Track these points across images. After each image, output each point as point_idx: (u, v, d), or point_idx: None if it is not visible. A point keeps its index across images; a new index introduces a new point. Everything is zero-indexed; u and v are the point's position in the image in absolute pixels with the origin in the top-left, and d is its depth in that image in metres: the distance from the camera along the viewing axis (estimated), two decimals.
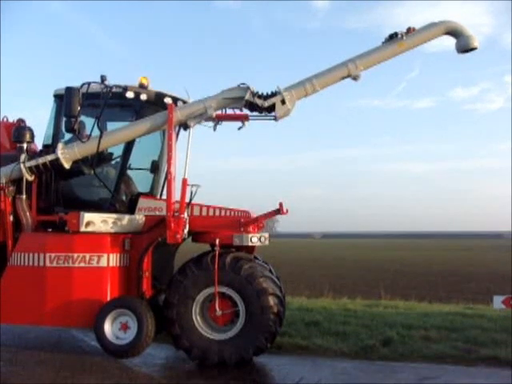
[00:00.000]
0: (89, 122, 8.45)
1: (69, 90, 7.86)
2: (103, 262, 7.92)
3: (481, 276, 33.27)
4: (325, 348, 8.50)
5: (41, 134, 8.80)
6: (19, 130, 8.56)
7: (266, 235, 8.37)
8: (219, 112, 8.05)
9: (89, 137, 8.28)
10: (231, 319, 7.77)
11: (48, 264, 7.95)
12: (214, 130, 8.11)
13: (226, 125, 8.16)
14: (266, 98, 7.94)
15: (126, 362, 7.71)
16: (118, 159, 8.79)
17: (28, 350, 8.48)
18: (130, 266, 8.29)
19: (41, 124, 8.92)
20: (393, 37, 7.85)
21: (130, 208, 8.59)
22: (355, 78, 7.92)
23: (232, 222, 8.22)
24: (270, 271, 8.18)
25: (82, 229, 7.81)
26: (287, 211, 8.03)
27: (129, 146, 8.62)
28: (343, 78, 7.95)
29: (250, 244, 7.99)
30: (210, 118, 7.98)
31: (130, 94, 8.24)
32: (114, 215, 8.14)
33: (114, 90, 8.15)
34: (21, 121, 9.24)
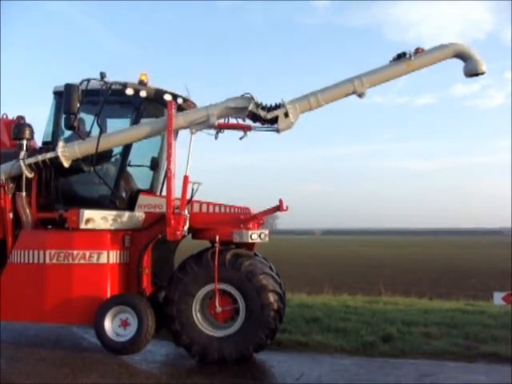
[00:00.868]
0: (88, 118, 8.45)
1: (68, 86, 7.84)
2: (103, 259, 7.92)
3: (481, 272, 33.24)
4: (325, 344, 8.51)
5: (40, 131, 8.80)
6: (19, 127, 8.53)
7: (266, 232, 8.36)
8: (221, 121, 8.04)
9: (88, 134, 8.28)
10: (231, 316, 7.77)
11: (48, 261, 7.95)
12: (216, 138, 8.10)
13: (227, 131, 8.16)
14: (269, 109, 7.93)
15: (126, 359, 7.72)
16: (118, 156, 8.78)
17: (28, 347, 8.48)
18: (129, 263, 8.29)
19: (40, 121, 8.91)
20: (401, 56, 7.84)
21: (130, 205, 8.59)
22: (360, 96, 7.91)
23: (232, 219, 8.22)
24: (270, 268, 8.17)
25: (82, 226, 7.79)
26: (287, 208, 8.04)
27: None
28: (348, 94, 7.96)
29: (249, 241, 7.97)
30: (212, 126, 7.97)
31: (129, 91, 8.22)
32: (114, 212, 8.12)
33: (113, 86, 8.14)
34: (20, 118, 9.23)
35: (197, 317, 7.73)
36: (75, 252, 7.91)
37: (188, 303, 7.71)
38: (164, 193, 8.45)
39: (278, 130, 7.97)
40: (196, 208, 8.27)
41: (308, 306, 11.88)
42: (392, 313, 11.06)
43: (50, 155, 8.06)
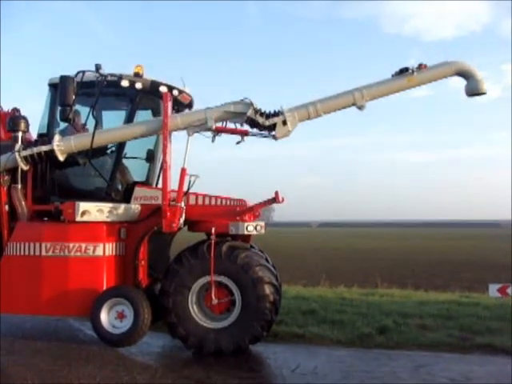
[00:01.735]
0: (84, 110, 8.45)
1: (63, 78, 7.82)
2: (99, 252, 7.91)
3: (477, 265, 33.41)
4: (321, 336, 8.53)
5: (36, 124, 8.78)
6: (14, 120, 8.50)
7: (262, 224, 8.37)
8: (219, 124, 8.03)
9: (84, 126, 8.27)
10: (227, 308, 7.79)
11: (44, 253, 7.95)
12: (213, 141, 8.10)
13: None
14: (268, 116, 7.92)
15: (122, 351, 7.72)
16: (114, 148, 8.76)
17: (25, 339, 8.49)
18: (125, 255, 8.29)
19: (35, 113, 8.88)
20: (403, 71, 7.82)
21: (126, 197, 8.58)
22: (360, 108, 7.90)
23: (228, 211, 8.22)
24: (266, 260, 8.18)
25: (78, 218, 7.78)
26: (283, 200, 8.03)
27: None
28: (348, 106, 7.94)
29: (245, 233, 7.98)
30: (209, 129, 7.96)
31: (124, 83, 8.19)
32: (110, 204, 8.11)
33: (108, 78, 8.11)
34: (15, 110, 9.19)
35: (193, 309, 7.74)
36: (71, 244, 7.90)
37: (184, 295, 7.72)
38: (160, 185, 8.45)
39: (275, 138, 7.98)
40: (192, 200, 8.26)
41: (304, 298, 11.91)
42: (388, 305, 11.11)
43: (45, 148, 8.05)
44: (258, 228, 8.21)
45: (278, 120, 7.89)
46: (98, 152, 8.49)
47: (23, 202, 8.35)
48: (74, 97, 7.76)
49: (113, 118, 9.15)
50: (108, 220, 8.02)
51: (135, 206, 8.37)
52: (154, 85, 8.42)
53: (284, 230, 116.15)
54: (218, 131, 8.02)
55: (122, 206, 8.20)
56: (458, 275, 26.75)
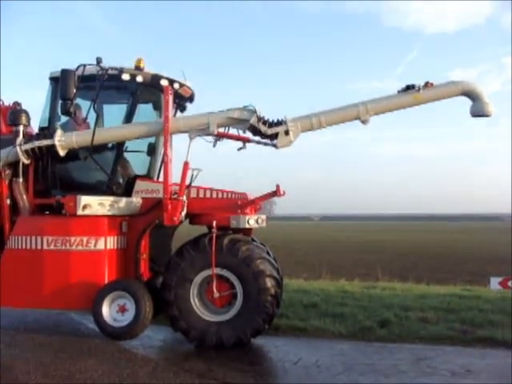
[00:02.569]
0: (85, 104, 8.43)
1: (64, 72, 7.82)
2: (100, 245, 7.92)
3: (478, 258, 33.41)
4: (322, 329, 8.53)
5: (37, 117, 8.77)
6: (15, 113, 8.50)
7: (263, 217, 8.38)
8: (221, 130, 8.01)
9: (85, 119, 8.27)
10: (229, 301, 7.79)
11: (45, 247, 7.96)
12: (214, 146, 8.10)
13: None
14: (270, 125, 7.90)
15: (123, 344, 7.73)
16: (115, 142, 8.75)
17: (27, 332, 8.49)
18: (127, 249, 8.30)
19: (37, 107, 8.87)
20: (409, 88, 7.80)
21: (127, 190, 8.58)
22: (364, 122, 7.88)
23: (229, 204, 8.22)
24: (268, 253, 8.18)
25: (79, 212, 7.79)
26: (284, 193, 8.03)
27: None
28: (352, 119, 7.93)
29: (246, 226, 7.98)
30: (211, 134, 7.96)
31: (125, 76, 8.18)
32: (111, 198, 8.12)
33: (109, 72, 8.10)
34: (16, 104, 9.19)
35: (194, 302, 7.75)
36: (73, 238, 7.91)
37: (185, 288, 7.72)
38: (161, 178, 8.44)
39: (276, 147, 7.96)
40: (193, 193, 8.26)
41: (306, 291, 11.92)
42: (389, 298, 11.11)
43: (46, 142, 8.05)
44: (260, 221, 8.21)
45: (280, 129, 7.86)
46: (99, 146, 8.49)
47: (25, 196, 8.37)
48: (74, 90, 7.75)
49: (114, 112, 9.14)
50: (109, 213, 8.03)
51: (136, 200, 8.37)
52: (155, 78, 8.40)
53: (285, 223, 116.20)
54: (219, 136, 8.01)
55: (124, 200, 8.20)
56: (459, 268, 26.74)
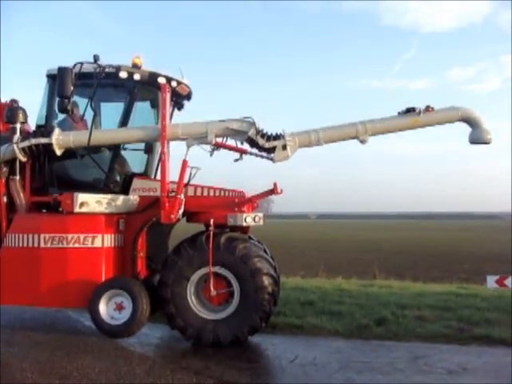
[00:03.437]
0: (82, 102, 8.41)
1: (61, 69, 7.79)
2: (98, 243, 7.92)
3: (475, 256, 33.44)
4: (319, 327, 8.55)
5: (34, 115, 8.75)
6: (12, 111, 8.47)
7: (261, 215, 8.37)
8: (219, 139, 8.00)
9: (82, 117, 8.27)
10: (226, 299, 7.80)
11: (42, 245, 7.95)
12: (211, 155, 8.07)
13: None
14: (268, 138, 7.89)
15: (121, 342, 7.74)
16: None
17: (24, 330, 8.50)
18: (124, 247, 8.29)
19: (34, 104, 8.86)
20: (410, 111, 7.80)
21: (124, 188, 8.58)
22: (362, 142, 7.87)
23: (226, 202, 8.22)
24: (265, 251, 8.19)
25: (76, 209, 7.78)
26: (281, 191, 8.04)
27: (123, 126, 8.56)
28: (350, 138, 7.93)
29: (244, 224, 7.98)
30: (208, 143, 7.94)
31: (123, 74, 8.17)
32: (108, 196, 8.11)
33: (107, 69, 8.08)
34: (13, 101, 9.15)
35: (191, 300, 7.76)
36: (70, 236, 7.90)
37: (183, 286, 7.73)
38: (158, 176, 8.44)
39: (273, 160, 7.95)
40: (191, 191, 8.25)
41: (303, 289, 11.94)
42: (386, 296, 11.14)
43: (43, 141, 8.05)
44: (257, 219, 8.21)
45: (278, 144, 7.85)
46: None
47: (21, 194, 8.36)
48: (72, 88, 7.72)
49: (111, 110, 9.13)
50: (106, 211, 8.02)
51: (134, 198, 8.36)
52: (153, 76, 8.39)
53: (283, 221, 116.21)
54: (217, 146, 8.00)
55: (121, 198, 8.19)
56: (456, 267, 26.77)
